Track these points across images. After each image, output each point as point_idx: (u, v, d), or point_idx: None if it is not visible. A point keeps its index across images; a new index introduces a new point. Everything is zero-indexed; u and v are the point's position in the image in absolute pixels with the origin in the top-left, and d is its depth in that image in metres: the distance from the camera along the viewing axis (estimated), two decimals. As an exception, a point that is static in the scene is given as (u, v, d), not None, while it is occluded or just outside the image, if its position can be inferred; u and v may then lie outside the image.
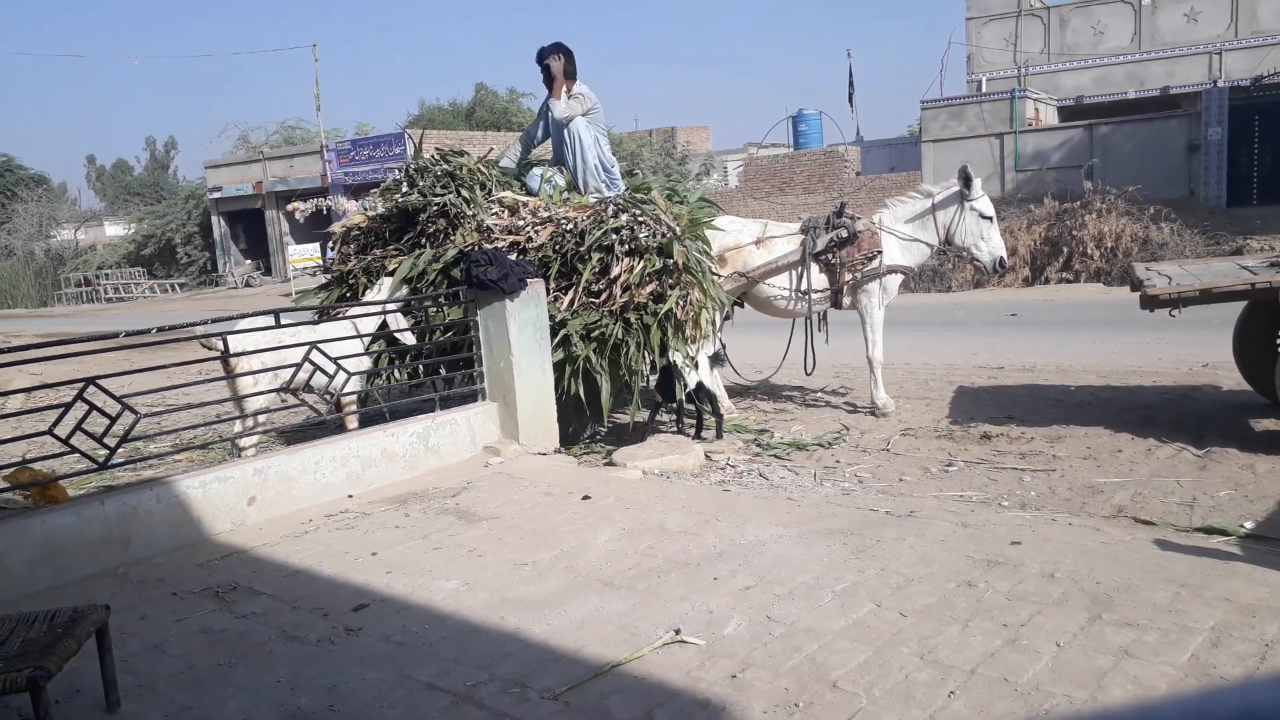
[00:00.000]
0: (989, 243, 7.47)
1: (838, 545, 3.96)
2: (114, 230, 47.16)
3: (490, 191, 6.48)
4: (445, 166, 6.49)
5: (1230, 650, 2.84)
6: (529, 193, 6.80)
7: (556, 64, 6.76)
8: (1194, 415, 6.69)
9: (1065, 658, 2.86)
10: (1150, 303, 5.86)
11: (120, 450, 4.47)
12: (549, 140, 7.12)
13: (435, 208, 6.33)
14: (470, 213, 6.27)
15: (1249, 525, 4.41)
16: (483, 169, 6.66)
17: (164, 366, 4.90)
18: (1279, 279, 5.60)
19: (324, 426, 5.86)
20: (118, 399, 4.31)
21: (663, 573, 3.76)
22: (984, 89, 24.54)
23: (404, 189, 6.48)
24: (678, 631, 3.18)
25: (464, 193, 6.38)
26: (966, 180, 7.35)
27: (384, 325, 5.97)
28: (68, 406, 4.19)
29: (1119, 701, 2.60)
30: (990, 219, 7.45)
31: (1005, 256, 7.64)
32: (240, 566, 4.13)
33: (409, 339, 6.00)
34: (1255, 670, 2.72)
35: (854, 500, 5.07)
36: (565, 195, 6.76)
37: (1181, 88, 22.90)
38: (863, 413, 7.56)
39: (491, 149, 7.46)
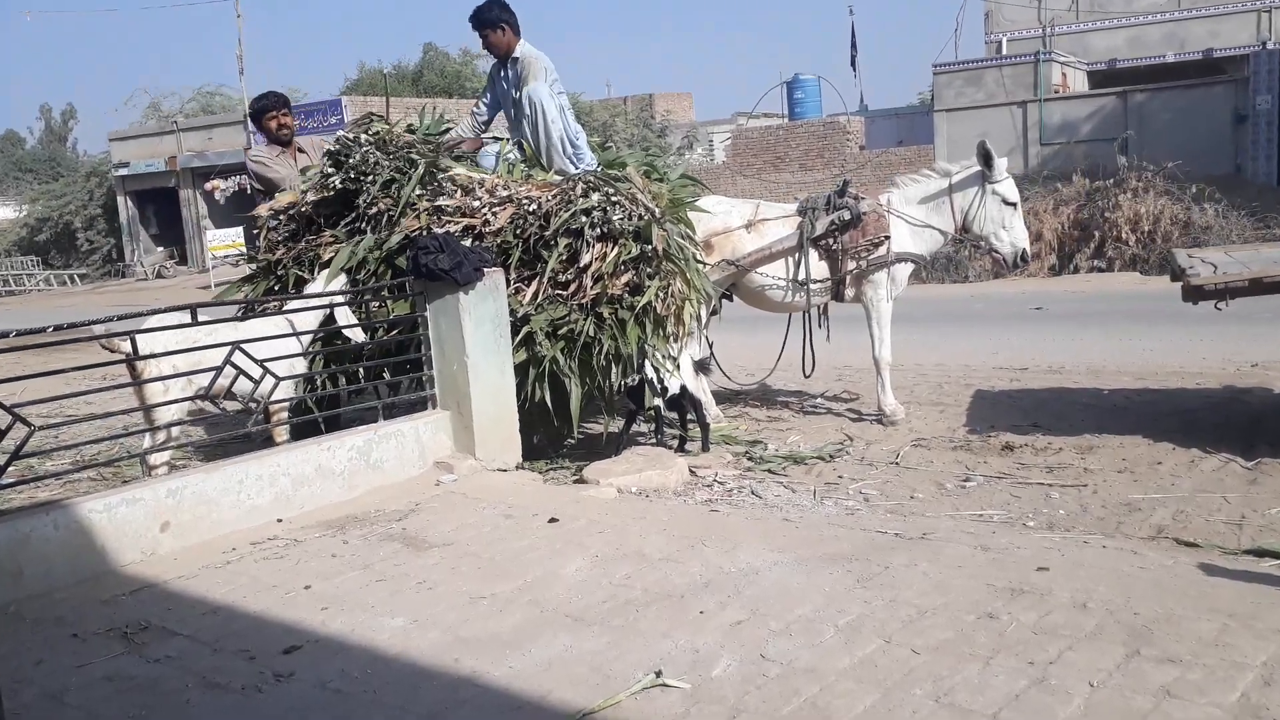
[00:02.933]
0: (1011, 232, 7.51)
1: (841, 573, 3.97)
2: (2, 213, 46.61)
3: (432, 166, 6.44)
4: (368, 139, 6.44)
5: (1285, 689, 2.87)
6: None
7: (498, 37, 6.79)
8: (1243, 421, 6.77)
9: (1099, 699, 2.88)
10: (1193, 294, 5.92)
11: (11, 469, 4.41)
12: (500, 112, 7.12)
13: (371, 187, 6.29)
14: (406, 193, 6.22)
15: (1305, 546, 4.46)
16: (418, 139, 6.62)
17: (62, 371, 4.84)
18: (1337, 267, 5.68)
19: (248, 440, 5.82)
20: (8, 409, 4.24)
21: (641, 606, 3.76)
22: (1004, 51, 24.77)
23: (328, 171, 6.43)
24: (659, 673, 3.18)
25: (390, 168, 6.32)
26: (987, 158, 7.38)
27: (326, 322, 5.93)
28: (-52, 418, 4.13)
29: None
30: (1014, 205, 7.50)
31: (1029, 248, 7.69)
32: (152, 603, 4.09)
33: (357, 335, 5.96)
34: (1313, 711, 2.75)
35: (859, 521, 5.09)
36: (526, 172, 6.75)
37: (1226, 50, 23.18)
38: (868, 421, 7.60)
39: (445, 121, 7.40)
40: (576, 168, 6.71)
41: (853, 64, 34.77)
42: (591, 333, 5.91)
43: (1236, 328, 9.00)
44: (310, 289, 6.03)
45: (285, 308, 5.91)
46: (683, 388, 6.50)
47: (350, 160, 6.34)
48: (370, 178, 6.26)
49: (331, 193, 6.38)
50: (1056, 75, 22.86)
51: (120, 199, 37.23)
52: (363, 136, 6.45)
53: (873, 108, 33.41)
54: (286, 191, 6.74)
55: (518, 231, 6.10)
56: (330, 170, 6.40)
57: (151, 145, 36.26)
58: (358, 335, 5.95)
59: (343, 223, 6.38)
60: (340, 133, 6.68)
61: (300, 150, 7.21)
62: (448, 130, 7.24)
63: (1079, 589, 3.67)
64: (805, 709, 2.94)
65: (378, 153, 6.35)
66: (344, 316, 5.93)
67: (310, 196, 6.46)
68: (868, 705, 2.94)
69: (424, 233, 6.00)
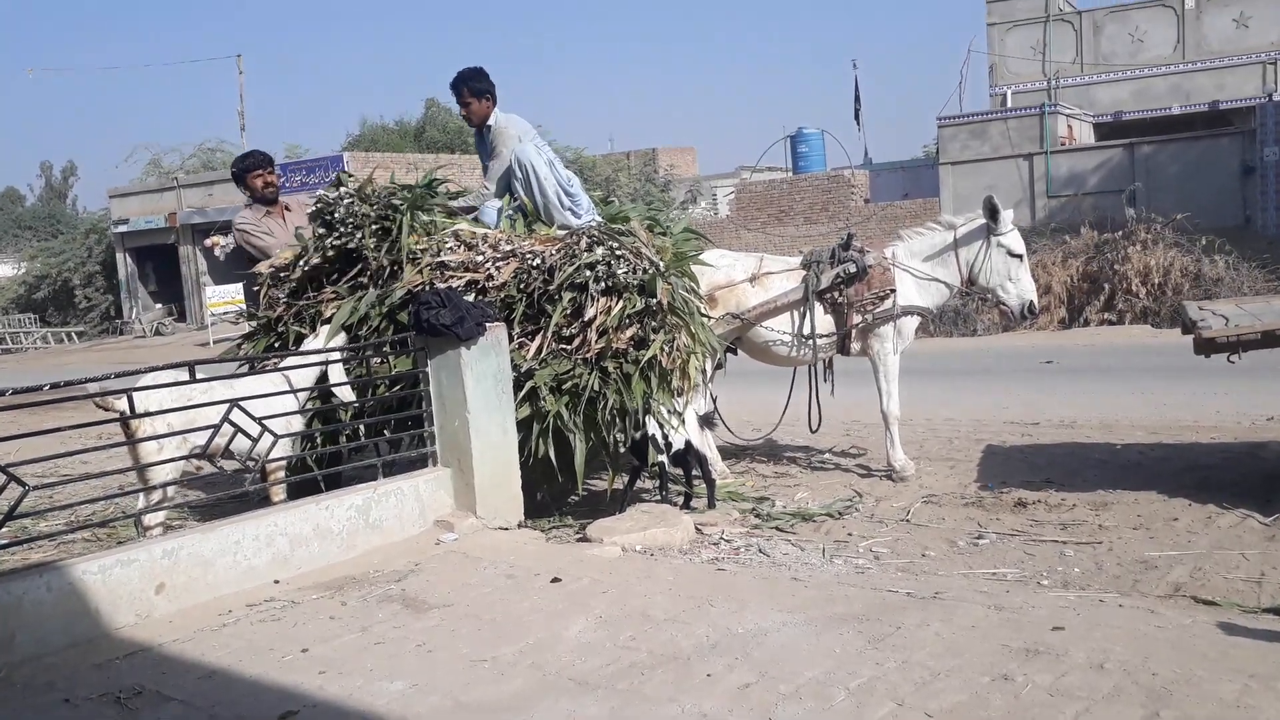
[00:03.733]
0: (1018, 285, 7.56)
1: (852, 634, 3.94)
2: (1, 270, 46.97)
3: (416, 208, 6.52)
4: (348, 192, 6.53)
5: (1310, 752, 2.84)
6: None
7: (480, 106, 6.93)
8: (1259, 476, 6.75)
9: (1119, 764, 2.84)
10: (1205, 347, 5.93)
11: (4, 529, 4.40)
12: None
13: (366, 239, 6.35)
14: (404, 241, 6.29)
15: (1327, 604, 4.43)
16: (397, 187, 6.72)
17: (58, 430, 4.84)
18: (1351, 319, 5.69)
19: (245, 500, 5.81)
20: (2, 469, 4.25)
21: (647, 669, 3.73)
22: (1009, 104, 25.06)
23: (320, 232, 6.51)
24: (665, 739, 3.14)
25: (375, 215, 6.41)
26: (992, 211, 7.45)
27: (321, 379, 5.95)
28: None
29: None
30: (1020, 257, 7.55)
31: (1036, 301, 7.73)
32: (146, 667, 4.06)
33: (347, 394, 5.98)
34: (1340, 776, 2.71)
35: (870, 580, 5.06)
36: (529, 226, 6.81)
37: (1232, 102, 23.46)
38: (878, 476, 7.58)
39: (443, 180, 7.48)
40: (579, 218, 6.77)
41: (856, 117, 35.22)
42: (596, 387, 5.92)
43: (1250, 381, 8.99)
44: (308, 345, 6.06)
45: (281, 364, 5.93)
46: (688, 443, 6.49)
47: (336, 215, 6.42)
48: (359, 232, 6.33)
49: (331, 251, 6.45)
50: (1062, 128, 23.11)
51: (119, 255, 37.51)
52: (342, 190, 6.53)
53: (877, 161, 33.77)
54: (288, 248, 6.79)
55: (521, 286, 6.14)
56: (322, 231, 6.47)
57: (152, 202, 36.63)
58: (347, 394, 5.97)
59: (345, 278, 6.43)
60: (320, 191, 6.76)
61: (287, 209, 7.29)
62: (442, 183, 7.32)
63: (1095, 649, 3.64)
64: (816, 775, 2.90)
65: (361, 204, 6.42)
66: (336, 374, 5.96)
67: (314, 259, 6.52)
68: (880, 771, 2.90)
69: (426, 288, 6.04)
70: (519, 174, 6.80)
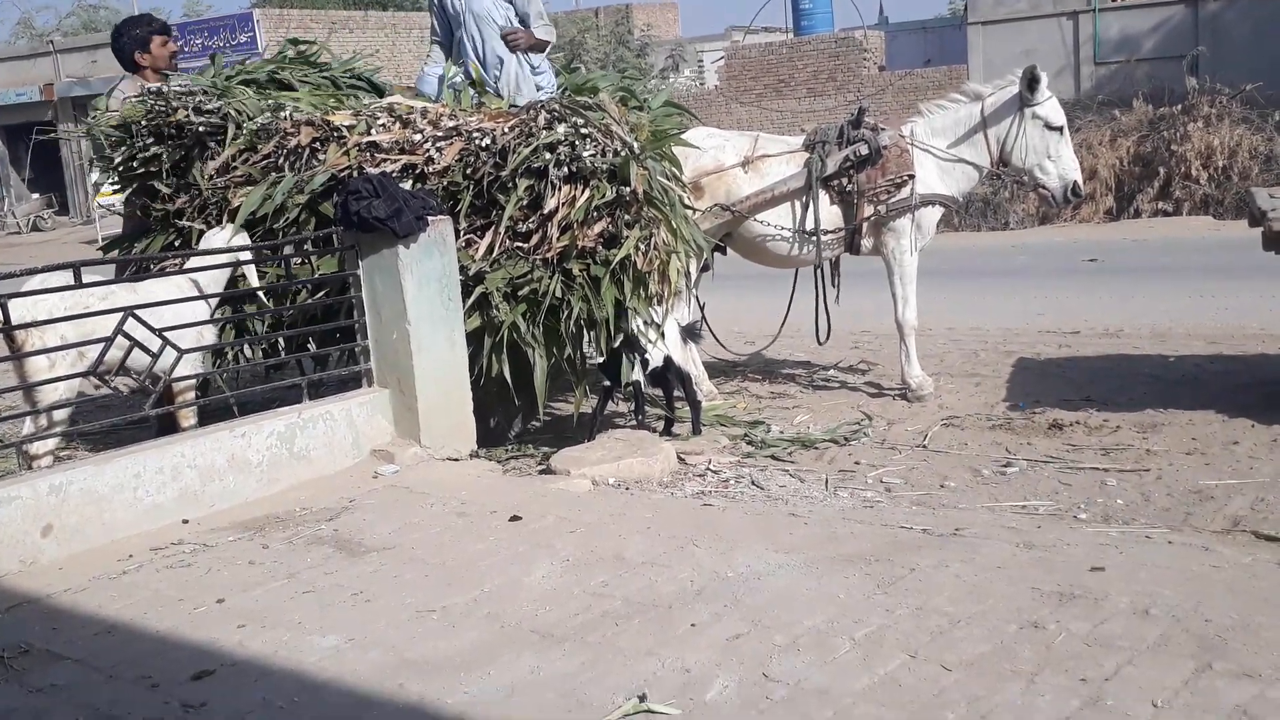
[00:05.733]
0: (1058, 163, 7.54)
1: (858, 576, 4.00)
2: None
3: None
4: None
5: (1381, 707, 2.92)
6: None
7: None
8: (1334, 393, 6.84)
9: (1164, 722, 2.92)
10: (1275, 242, 5.96)
11: None
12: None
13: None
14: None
15: (1406, 539, 4.53)
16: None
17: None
18: None
19: (146, 425, 5.80)
20: None
21: (621, 619, 3.78)
22: (1052, -49, 24.66)
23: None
24: (643, 698, 3.20)
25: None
26: (1031, 81, 7.40)
27: (232, 284, 5.91)
28: None
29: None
30: (1060, 129, 7.52)
31: (1080, 181, 7.72)
32: (34, 621, 4.08)
33: (253, 278, 5.95)
34: None
35: (880, 515, 5.13)
36: (477, 100, 6.72)
37: (1317, -52, 23.18)
38: (890, 396, 7.64)
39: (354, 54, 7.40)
40: (540, 94, 6.70)
41: (871, -32, 34.72)
42: (559, 293, 5.90)
43: (1327, 281, 9.08)
44: (212, 240, 5.99)
45: (187, 266, 5.88)
46: (668, 359, 6.51)
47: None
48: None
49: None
50: (1115, -20, 22.85)
51: (-14, 135, 36.88)
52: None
53: (895, 21, 33.38)
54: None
55: (468, 171, 6.07)
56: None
57: (23, 70, 35.88)
58: (253, 278, 5.97)
59: (254, 159, 6.34)
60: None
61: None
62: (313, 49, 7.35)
63: (1140, 593, 3.71)
64: (817, 738, 2.97)
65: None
66: (252, 276, 5.93)
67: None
68: (891, 732, 2.97)
69: (354, 173, 5.96)
70: (474, 28, 6.71)
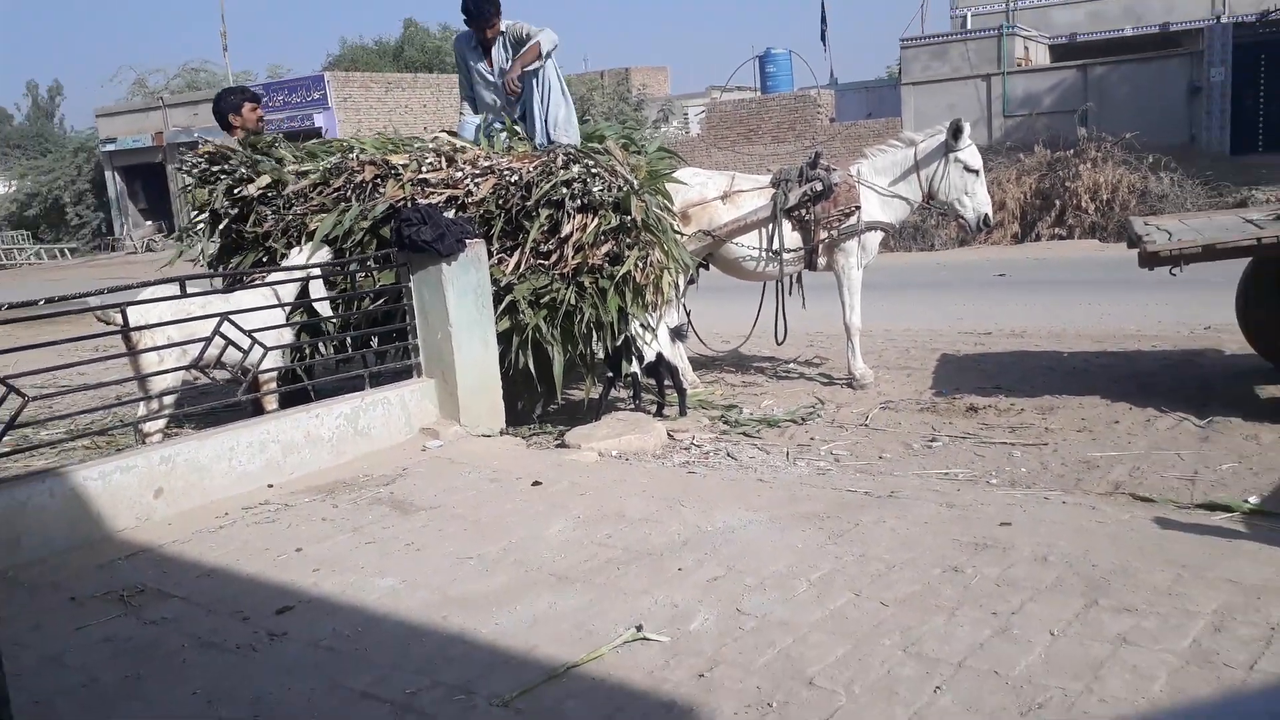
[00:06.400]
0: (974, 198, 7.53)
1: (813, 530, 4.00)
2: (-8, 189, 45.89)
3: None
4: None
5: (1234, 635, 2.92)
6: None
7: (499, 22, 6.73)
8: (1195, 382, 6.84)
9: (1059, 647, 2.92)
10: (1149, 260, 5.95)
11: (6, 438, 4.37)
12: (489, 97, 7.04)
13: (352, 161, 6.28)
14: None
15: (1254, 500, 4.52)
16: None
17: (55, 343, 4.79)
18: (1286, 233, 5.71)
19: (239, 408, 5.79)
20: (2, 380, 4.21)
21: (622, 564, 3.78)
22: (969, 26, 24.72)
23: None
24: (639, 628, 3.20)
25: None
26: (956, 132, 7.39)
27: (304, 293, 5.89)
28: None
29: (1117, 693, 2.67)
30: (976, 172, 7.51)
31: (991, 213, 7.72)
32: (147, 567, 4.08)
33: (326, 310, 5.94)
34: (1260, 656, 2.80)
35: (830, 481, 5.12)
36: (507, 144, 6.69)
37: (1182, 24, 23.24)
38: (839, 385, 7.63)
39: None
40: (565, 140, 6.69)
41: (823, 38, 34.63)
42: (573, 301, 5.89)
43: (1191, 293, 9.07)
44: (291, 259, 5.98)
45: (269, 279, 5.87)
46: (660, 354, 6.51)
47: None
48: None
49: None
50: (1019, 49, 22.85)
51: (108, 174, 36.75)
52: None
53: (842, 81, 33.34)
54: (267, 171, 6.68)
55: (500, 202, 6.06)
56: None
57: (138, 121, 35.76)
58: (326, 309, 5.93)
59: (329, 192, 6.32)
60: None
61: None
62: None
63: (1040, 543, 3.72)
64: (779, 660, 2.97)
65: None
66: (317, 289, 5.90)
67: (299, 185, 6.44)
68: (839, 656, 2.97)
69: (408, 204, 5.95)
70: (539, 91, 6.67)
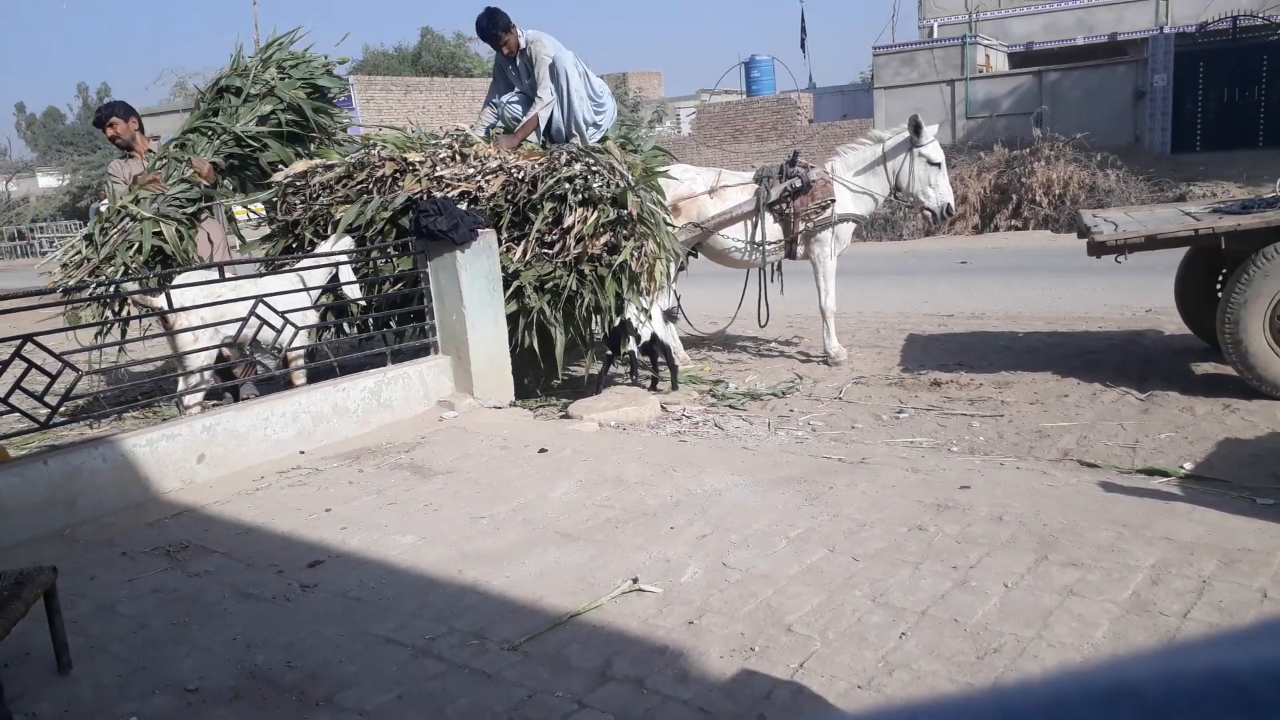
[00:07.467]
0: (937, 189, 7.50)
1: (791, 493, 4.02)
2: (47, 182, 45.50)
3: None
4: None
5: (1169, 587, 2.95)
6: None
7: (509, 38, 6.66)
8: (1137, 360, 6.85)
9: (1013, 598, 2.95)
10: (1097, 249, 5.94)
11: (62, 409, 4.37)
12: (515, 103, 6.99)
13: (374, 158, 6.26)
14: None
15: (1188, 466, 4.55)
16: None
17: (105, 323, 4.78)
18: (1221, 225, 5.71)
19: (272, 383, 5.79)
20: (58, 356, 4.20)
21: (620, 523, 3.79)
22: (935, 35, 24.54)
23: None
24: (635, 580, 3.22)
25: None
26: (916, 128, 7.36)
27: (334, 278, 5.88)
28: (5, 364, 4.08)
29: (1064, 639, 2.69)
30: (939, 165, 7.48)
31: (953, 203, 7.69)
32: (191, 525, 4.09)
33: (354, 292, 5.92)
34: (1193, 606, 2.83)
35: (807, 448, 5.14)
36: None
37: (1129, 34, 23.11)
38: (816, 362, 7.63)
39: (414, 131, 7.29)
40: (599, 127, 6.70)
41: (802, 46, 34.40)
42: (574, 287, 5.88)
43: (1134, 279, 9.05)
44: (321, 248, 5.96)
45: (299, 265, 5.85)
46: (654, 335, 6.50)
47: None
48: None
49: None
50: (981, 57, 22.71)
51: (153, 169, 36.49)
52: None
53: (820, 85, 33.11)
54: (300, 161, 6.64)
55: (509, 196, 6.04)
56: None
57: (179, 120, 35.41)
58: (355, 292, 5.91)
59: (353, 184, 6.30)
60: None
61: (150, 151, 6.91)
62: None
63: (996, 504, 3.74)
64: (761, 609, 2.99)
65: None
66: (346, 274, 5.89)
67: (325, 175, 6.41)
68: (815, 605, 2.99)
69: (425, 197, 5.93)
70: (563, 86, 6.64)
